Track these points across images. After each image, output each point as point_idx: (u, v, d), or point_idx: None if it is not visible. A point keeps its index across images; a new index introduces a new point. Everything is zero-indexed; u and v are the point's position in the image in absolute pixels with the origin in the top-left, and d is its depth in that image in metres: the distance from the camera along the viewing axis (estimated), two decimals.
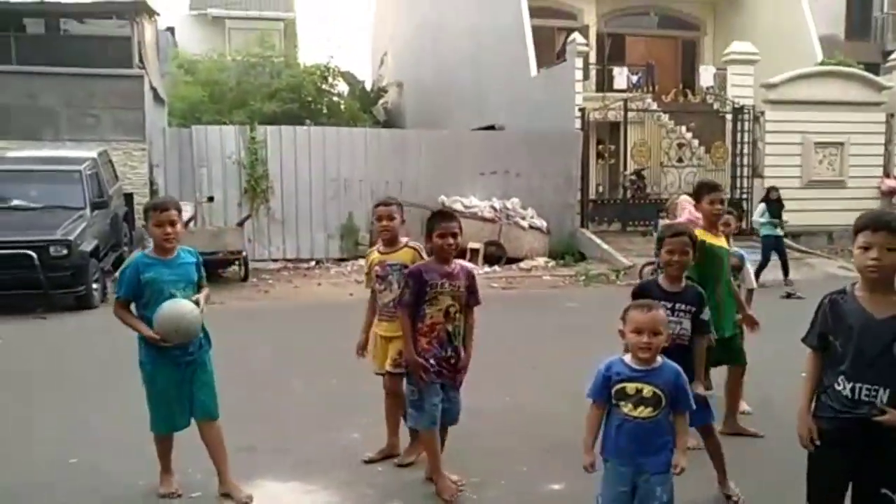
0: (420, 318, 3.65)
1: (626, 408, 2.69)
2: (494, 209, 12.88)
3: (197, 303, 3.54)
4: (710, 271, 4.00)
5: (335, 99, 22.02)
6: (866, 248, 2.45)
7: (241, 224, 11.70)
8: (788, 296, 9.94)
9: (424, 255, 3.88)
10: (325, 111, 20.81)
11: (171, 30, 20.08)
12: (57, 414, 4.99)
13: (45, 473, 3.96)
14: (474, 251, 12.45)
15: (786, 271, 10.90)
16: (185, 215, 11.94)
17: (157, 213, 3.49)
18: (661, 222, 11.89)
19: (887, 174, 15.90)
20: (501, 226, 12.74)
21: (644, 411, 2.68)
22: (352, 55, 35.40)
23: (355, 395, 4.91)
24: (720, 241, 4.23)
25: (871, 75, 15.87)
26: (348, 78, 23.66)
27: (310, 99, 19.88)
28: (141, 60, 13.84)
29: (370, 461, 4.01)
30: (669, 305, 3.32)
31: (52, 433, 4.58)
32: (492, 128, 16.59)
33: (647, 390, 2.68)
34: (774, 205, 11.45)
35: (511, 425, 4.71)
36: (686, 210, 11.00)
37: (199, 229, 11.39)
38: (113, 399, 5.13)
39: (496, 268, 12.37)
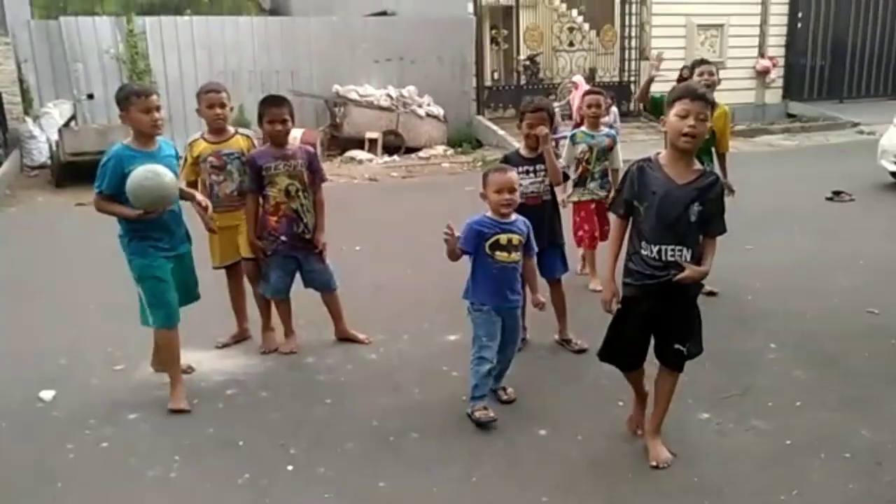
0: (265, 200, 3.89)
1: (503, 255, 3.20)
2: (391, 98, 12.83)
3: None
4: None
5: None
6: (683, 117, 2.55)
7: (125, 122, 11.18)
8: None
9: (257, 143, 3.99)
10: (206, 0, 19.60)
11: None
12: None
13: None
14: (372, 141, 12.48)
15: None
16: (65, 114, 11.32)
17: (142, 99, 3.28)
18: (561, 100, 12.30)
19: (762, 54, 16.84)
20: (399, 115, 12.75)
21: (514, 255, 3.23)
22: None
23: None
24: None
25: None
26: None
27: None
28: None
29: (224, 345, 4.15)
30: (531, 168, 3.87)
31: None
32: (384, 14, 16.19)
33: (515, 238, 3.22)
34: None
35: (412, 293, 5.09)
36: (577, 94, 11.40)
37: (83, 128, 10.81)
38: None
39: (395, 157, 12.48)
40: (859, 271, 5.32)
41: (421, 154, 12.67)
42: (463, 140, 13.38)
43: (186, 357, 3.92)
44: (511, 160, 3.86)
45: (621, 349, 2.88)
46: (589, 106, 5.14)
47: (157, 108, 3.33)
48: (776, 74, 17.05)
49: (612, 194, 4.90)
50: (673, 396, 2.91)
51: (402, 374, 3.75)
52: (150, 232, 3.36)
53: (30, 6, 15.51)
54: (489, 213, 3.23)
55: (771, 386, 3.55)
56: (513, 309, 3.31)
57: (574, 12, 15.63)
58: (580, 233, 5.17)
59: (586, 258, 5.26)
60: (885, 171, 8.64)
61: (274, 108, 3.83)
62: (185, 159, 3.94)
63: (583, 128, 5.21)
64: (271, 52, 12.75)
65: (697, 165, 2.65)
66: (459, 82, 13.89)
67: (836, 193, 8.06)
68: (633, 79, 15.47)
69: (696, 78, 4.80)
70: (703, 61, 5.04)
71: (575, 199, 5.14)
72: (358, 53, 13.14)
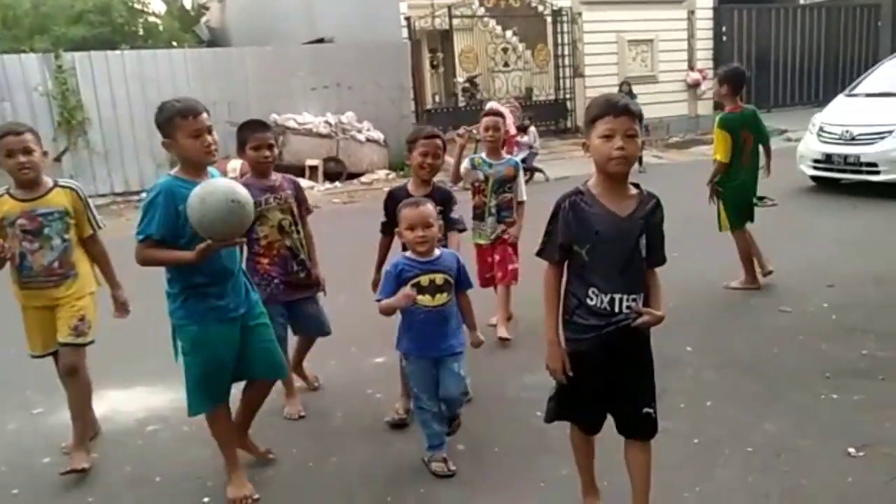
0: (254, 241, 3.41)
1: (425, 299, 2.88)
2: (329, 124, 12.88)
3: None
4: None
5: (151, 19, 20.56)
6: (608, 137, 2.14)
7: (57, 159, 10.98)
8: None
9: (84, 195, 3.23)
10: (141, 34, 19.46)
11: None
12: None
13: None
14: (313, 168, 12.49)
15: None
16: None
17: (189, 119, 2.65)
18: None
19: (692, 67, 17.45)
20: (338, 141, 12.81)
21: (442, 297, 2.91)
22: None
23: None
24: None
25: None
26: None
27: (121, 21, 18.43)
28: None
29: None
30: None
31: None
32: (321, 41, 16.29)
33: (439, 278, 2.92)
34: None
35: (343, 319, 5.06)
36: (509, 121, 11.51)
37: None
38: None
39: (337, 183, 12.51)
40: (775, 273, 5.54)
41: (363, 179, 12.74)
42: (404, 163, 13.44)
43: (108, 395, 3.88)
44: (397, 197, 3.34)
45: (579, 406, 2.41)
46: (486, 129, 4.39)
47: (209, 130, 2.70)
48: (706, 87, 17.66)
49: (515, 228, 4.48)
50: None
51: (325, 399, 3.77)
52: (209, 287, 2.70)
53: None
54: (409, 252, 2.97)
55: (684, 388, 3.67)
56: (447, 357, 2.96)
57: (509, 33, 15.97)
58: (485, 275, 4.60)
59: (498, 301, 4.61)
60: (805, 175, 9.03)
61: (258, 132, 3.40)
62: None
63: (482, 154, 4.53)
64: (207, 84, 12.69)
65: (632, 189, 2.27)
66: (398, 106, 14.04)
67: (760, 199, 8.34)
68: (568, 96, 15.85)
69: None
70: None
71: (473, 239, 4.53)
72: (295, 82, 13.19)
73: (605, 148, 2.15)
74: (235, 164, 12.17)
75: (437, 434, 3.03)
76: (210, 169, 2.83)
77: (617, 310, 2.22)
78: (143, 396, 3.96)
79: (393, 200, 3.38)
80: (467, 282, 3.06)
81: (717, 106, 18.68)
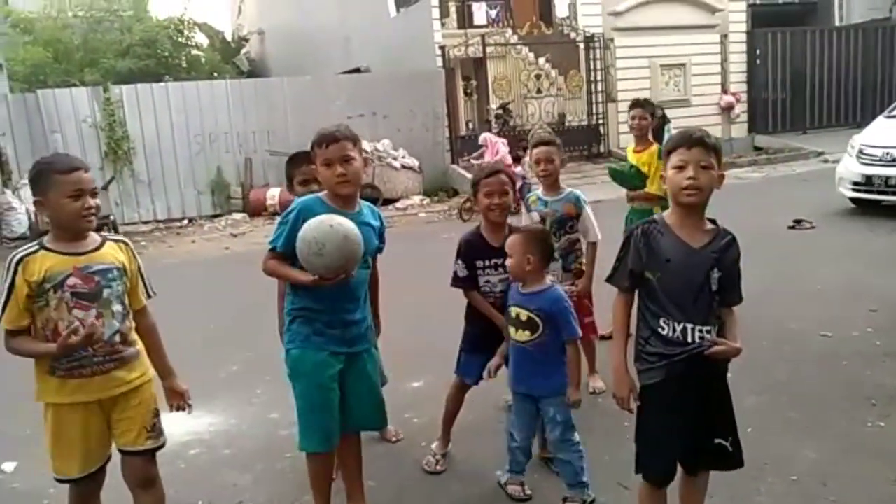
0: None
1: (512, 332, 2.85)
2: (366, 151, 13.08)
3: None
4: None
5: (194, 52, 21.23)
6: (681, 168, 2.20)
7: (105, 188, 11.36)
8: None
9: (133, 247, 2.58)
10: (184, 66, 20.09)
11: None
12: None
13: None
14: None
15: None
16: None
17: (323, 148, 2.56)
18: (475, 160, 12.27)
19: (725, 91, 17.35)
20: (374, 168, 13.00)
21: (524, 335, 2.79)
22: (207, 5, 33.69)
23: (233, 334, 5.24)
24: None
25: None
26: (206, 29, 22.75)
27: (167, 54, 19.08)
28: None
29: None
30: (500, 262, 3.00)
31: None
32: (357, 71, 16.64)
33: (523, 314, 2.77)
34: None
35: (384, 341, 5.15)
36: (490, 152, 11.45)
37: None
38: None
39: None
40: (815, 297, 5.45)
41: (398, 205, 12.90)
42: (438, 189, 13.63)
43: None
44: (474, 248, 3.08)
45: (664, 450, 2.31)
46: (537, 161, 3.81)
47: (347, 160, 2.56)
48: (740, 109, 17.54)
49: (584, 280, 3.86)
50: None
51: None
52: (320, 315, 2.61)
53: (8, 80, 15.80)
54: (521, 285, 2.86)
55: None
56: (539, 398, 2.83)
57: (541, 60, 16.11)
58: None
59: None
60: (844, 197, 8.89)
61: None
62: (10, 289, 2.26)
63: (538, 191, 3.96)
64: (247, 114, 13.07)
65: (708, 224, 2.30)
66: (432, 133, 14.24)
67: (798, 222, 8.26)
68: (601, 121, 15.86)
69: (629, 121, 4.71)
70: (635, 103, 4.77)
71: None
72: (332, 110, 13.46)
73: (677, 178, 2.21)
74: (275, 192, 12.46)
75: (519, 462, 2.99)
76: (364, 204, 2.74)
77: (690, 339, 2.23)
78: (185, 420, 3.98)
79: (471, 249, 3.10)
80: (568, 329, 2.78)
81: (752, 128, 18.57)
